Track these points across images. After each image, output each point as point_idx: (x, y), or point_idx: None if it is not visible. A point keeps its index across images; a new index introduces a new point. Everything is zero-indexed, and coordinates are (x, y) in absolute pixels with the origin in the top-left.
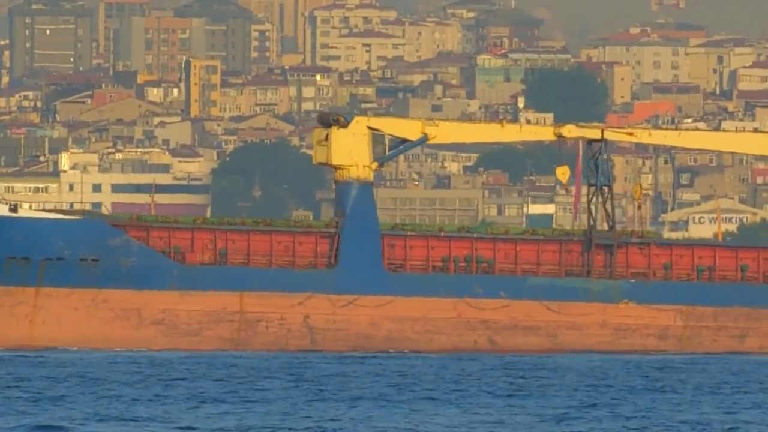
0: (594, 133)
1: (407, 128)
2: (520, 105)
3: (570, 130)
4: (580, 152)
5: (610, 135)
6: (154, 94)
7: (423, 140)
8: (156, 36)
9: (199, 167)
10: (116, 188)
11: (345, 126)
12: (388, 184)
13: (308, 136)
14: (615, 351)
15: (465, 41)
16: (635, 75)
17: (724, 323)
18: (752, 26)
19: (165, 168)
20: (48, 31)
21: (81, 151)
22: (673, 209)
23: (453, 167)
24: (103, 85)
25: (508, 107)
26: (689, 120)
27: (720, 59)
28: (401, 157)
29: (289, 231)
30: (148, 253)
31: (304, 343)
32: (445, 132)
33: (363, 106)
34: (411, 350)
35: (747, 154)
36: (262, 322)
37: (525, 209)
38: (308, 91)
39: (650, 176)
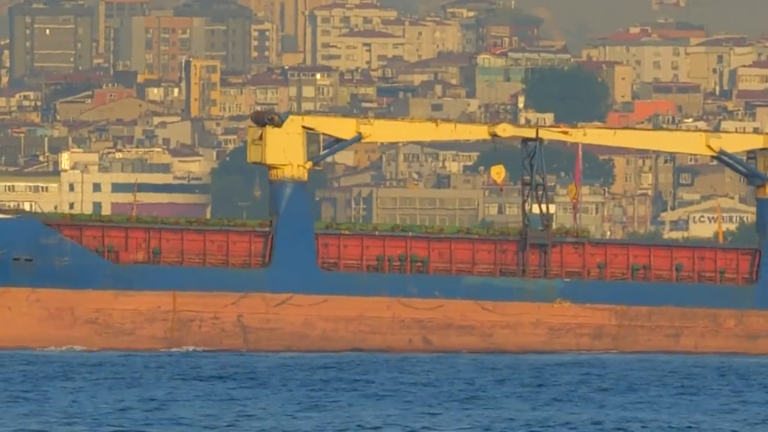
0: (529, 133)
1: (341, 127)
2: (520, 105)
3: (504, 129)
4: (580, 152)
5: (545, 134)
6: (155, 93)
7: (357, 139)
8: (156, 35)
9: (199, 167)
10: (116, 188)
11: (279, 125)
12: (388, 183)
13: None
14: (550, 351)
15: (465, 41)
16: (635, 75)
17: (658, 322)
18: (752, 26)
19: (165, 168)
20: (48, 31)
21: (81, 150)
22: (673, 209)
23: (453, 167)
24: (103, 85)
25: (508, 107)
26: (689, 120)
27: (720, 59)
28: (401, 156)
29: (222, 230)
30: (81, 252)
31: (238, 343)
32: (379, 131)
33: (363, 105)
34: (345, 350)
35: (684, 154)
36: (195, 322)
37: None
38: (308, 91)
39: (650, 175)
